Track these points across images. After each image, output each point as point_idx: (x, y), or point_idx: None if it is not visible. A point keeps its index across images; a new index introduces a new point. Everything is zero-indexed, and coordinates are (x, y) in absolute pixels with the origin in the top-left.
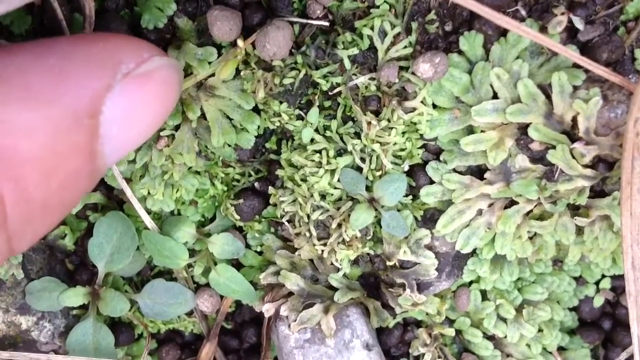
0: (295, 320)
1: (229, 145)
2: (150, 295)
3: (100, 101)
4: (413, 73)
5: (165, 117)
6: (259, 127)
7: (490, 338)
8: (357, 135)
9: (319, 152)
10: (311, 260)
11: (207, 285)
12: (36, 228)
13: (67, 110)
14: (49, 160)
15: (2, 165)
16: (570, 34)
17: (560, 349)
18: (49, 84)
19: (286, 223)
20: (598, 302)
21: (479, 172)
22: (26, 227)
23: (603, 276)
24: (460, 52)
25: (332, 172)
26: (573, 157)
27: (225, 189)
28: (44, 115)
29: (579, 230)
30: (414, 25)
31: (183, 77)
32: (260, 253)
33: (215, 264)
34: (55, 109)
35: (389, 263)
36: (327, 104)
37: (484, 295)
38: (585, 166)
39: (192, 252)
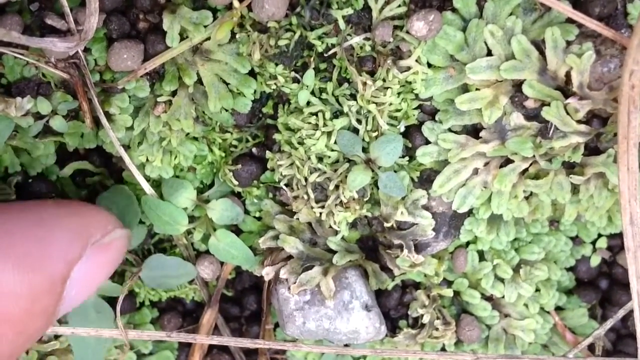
0: (294, 283)
1: (226, 110)
2: (151, 269)
3: (71, 269)
4: (407, 32)
5: (109, 276)
6: (255, 91)
7: (489, 299)
8: (353, 96)
9: (315, 114)
10: (309, 224)
11: (207, 252)
12: None
13: (46, 278)
14: (24, 323)
15: None
16: None
17: (558, 308)
18: (35, 253)
19: (284, 187)
20: (595, 261)
21: (474, 132)
22: None
23: (599, 235)
24: (454, 10)
25: (329, 134)
26: (567, 113)
27: (223, 154)
28: (28, 280)
29: (575, 189)
30: None
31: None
32: (259, 218)
33: (215, 230)
34: (38, 276)
35: (386, 225)
36: (322, 66)
37: (482, 255)
38: (580, 122)
39: (192, 219)
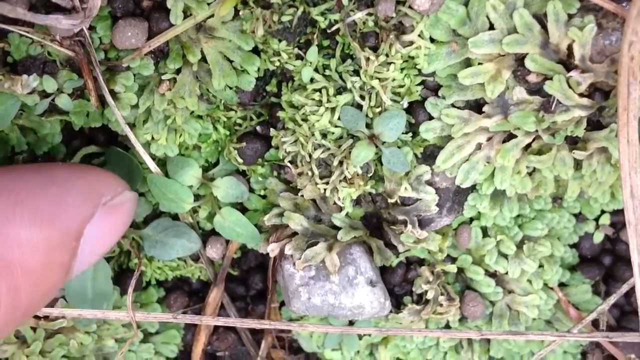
0: (299, 259)
1: (230, 88)
2: (155, 230)
3: (84, 226)
4: (410, 7)
5: (120, 238)
6: (259, 68)
7: (492, 275)
8: (356, 72)
9: (319, 90)
10: (314, 201)
11: (213, 231)
12: (15, 326)
13: (61, 233)
14: (41, 275)
15: (6, 276)
16: None
17: (562, 285)
18: (51, 209)
19: (288, 164)
20: (598, 238)
21: (477, 107)
22: (9, 327)
23: (602, 212)
24: None
25: (333, 110)
26: (570, 87)
27: (228, 133)
28: (45, 235)
29: (578, 165)
30: None
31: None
32: (263, 197)
33: (220, 208)
34: (53, 230)
35: (390, 201)
36: (325, 42)
37: (485, 232)
38: (582, 95)
39: (197, 197)
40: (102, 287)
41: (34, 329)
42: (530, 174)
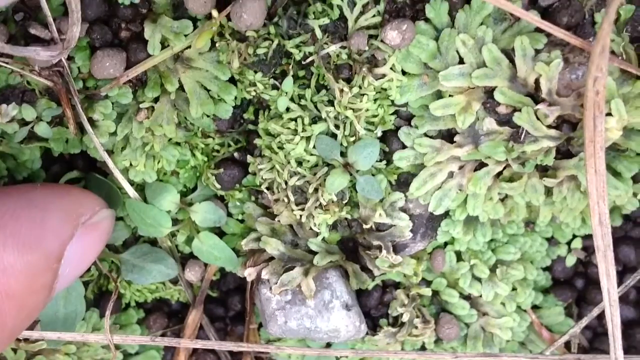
0: (276, 283)
1: (208, 116)
2: (133, 255)
3: (65, 247)
4: (382, 41)
5: (98, 255)
6: (236, 97)
7: (467, 298)
8: (331, 102)
9: (295, 120)
10: (291, 226)
11: (192, 255)
12: (1, 349)
13: (44, 256)
14: (25, 298)
15: None
16: (532, 0)
17: (535, 307)
18: (33, 233)
19: (265, 190)
20: (570, 261)
21: (449, 136)
22: None
23: (574, 236)
24: (426, 20)
25: (308, 139)
26: (538, 118)
27: (206, 159)
28: (27, 260)
29: (549, 191)
30: None
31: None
32: (241, 221)
33: (198, 232)
34: (36, 255)
35: (365, 226)
36: (301, 73)
37: (459, 256)
38: (550, 127)
39: (175, 222)
40: (74, 307)
41: (14, 350)
42: (502, 200)
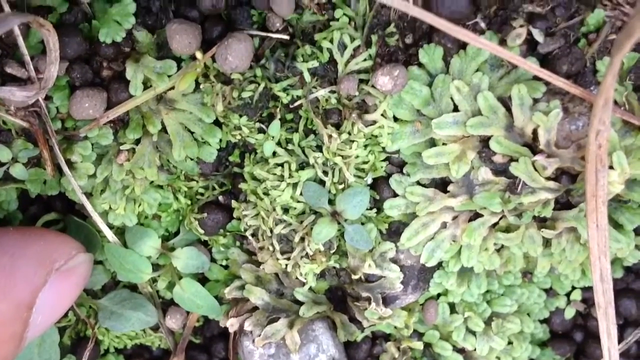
0: (259, 335)
1: (191, 159)
2: (112, 301)
3: (37, 295)
4: (373, 86)
5: (74, 301)
6: (220, 140)
7: (460, 351)
8: (319, 148)
9: (281, 165)
10: (276, 274)
11: (173, 301)
12: None
13: (13, 305)
14: None
15: None
16: (530, 46)
17: None
18: (2, 281)
19: (250, 237)
20: (569, 313)
21: (442, 185)
22: None
23: (573, 288)
24: (420, 65)
25: (295, 185)
26: (535, 169)
27: (189, 202)
28: None
29: (547, 242)
30: (374, 38)
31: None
32: (225, 267)
33: (180, 278)
34: (4, 304)
35: (354, 277)
36: (288, 116)
37: (452, 308)
38: (548, 178)
39: (156, 267)
40: (48, 355)
41: None
42: (498, 250)
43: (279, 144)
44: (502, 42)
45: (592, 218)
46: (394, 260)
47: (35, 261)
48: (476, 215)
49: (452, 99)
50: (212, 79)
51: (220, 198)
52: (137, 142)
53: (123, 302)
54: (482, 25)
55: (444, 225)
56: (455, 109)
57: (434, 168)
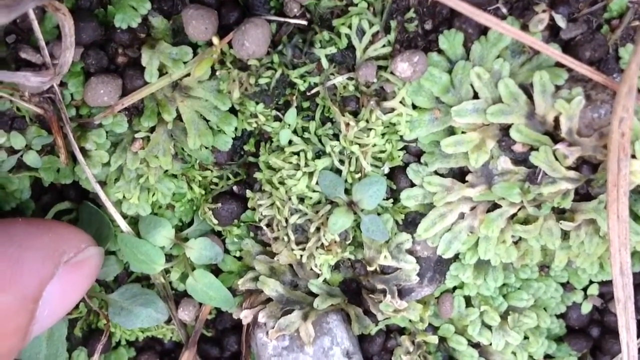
0: (273, 327)
1: (206, 148)
2: (123, 296)
3: (43, 287)
4: (392, 72)
5: (84, 295)
6: (236, 128)
7: (476, 345)
8: (336, 136)
9: (297, 154)
10: (291, 266)
11: (187, 292)
12: None
13: (18, 296)
14: None
15: None
16: (552, 32)
17: (547, 357)
18: (6, 272)
19: (264, 227)
20: (586, 308)
21: (460, 175)
22: None
23: (591, 282)
24: (440, 51)
25: (311, 174)
26: (556, 158)
27: (203, 192)
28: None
29: (565, 235)
30: (393, 23)
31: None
32: (239, 258)
33: (193, 269)
34: (9, 295)
35: (369, 268)
36: (305, 104)
37: (468, 301)
38: (569, 168)
39: (169, 257)
40: (56, 349)
41: None
42: (515, 242)
43: (295, 132)
44: (524, 28)
45: (613, 208)
46: (410, 252)
47: (44, 253)
48: (494, 206)
49: (472, 86)
50: (229, 65)
51: (235, 188)
52: (152, 130)
53: (133, 298)
54: (504, 10)
55: (462, 216)
56: (475, 96)
57: (452, 157)
